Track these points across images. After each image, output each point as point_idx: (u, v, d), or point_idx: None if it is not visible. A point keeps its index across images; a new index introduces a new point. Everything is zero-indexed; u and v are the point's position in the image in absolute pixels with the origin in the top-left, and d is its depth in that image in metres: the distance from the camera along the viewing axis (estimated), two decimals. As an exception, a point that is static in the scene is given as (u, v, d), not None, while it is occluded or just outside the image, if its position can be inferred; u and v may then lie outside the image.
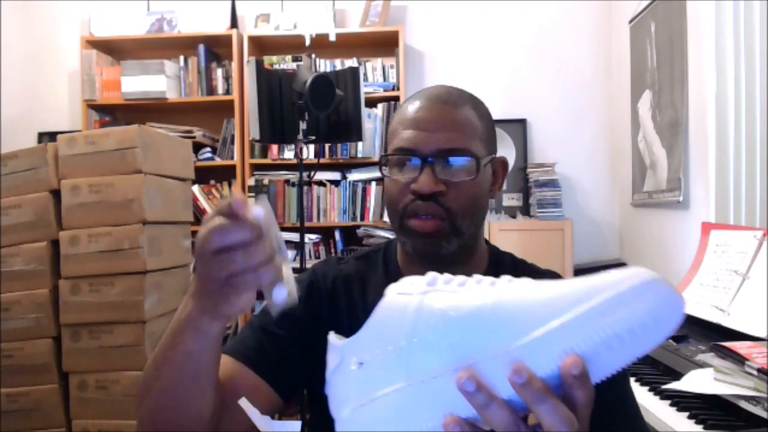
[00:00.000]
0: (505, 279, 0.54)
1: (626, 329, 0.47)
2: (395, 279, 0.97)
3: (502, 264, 0.99)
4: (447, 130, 0.87)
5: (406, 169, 0.89)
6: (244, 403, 0.62)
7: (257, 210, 0.56)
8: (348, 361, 0.56)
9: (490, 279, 0.55)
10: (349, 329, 0.92)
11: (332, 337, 0.60)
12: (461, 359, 0.51)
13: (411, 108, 0.91)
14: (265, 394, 0.85)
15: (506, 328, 0.50)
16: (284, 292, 0.57)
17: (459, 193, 0.88)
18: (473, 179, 0.88)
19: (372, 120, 3.35)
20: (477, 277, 0.56)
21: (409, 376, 0.53)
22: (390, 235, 3.27)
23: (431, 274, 0.57)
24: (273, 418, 0.70)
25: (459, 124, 0.88)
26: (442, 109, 0.89)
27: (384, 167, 0.92)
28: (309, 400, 0.98)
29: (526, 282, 0.53)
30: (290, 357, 0.89)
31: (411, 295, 0.55)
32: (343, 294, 0.95)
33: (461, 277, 0.56)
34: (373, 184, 3.36)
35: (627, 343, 0.48)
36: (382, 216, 3.33)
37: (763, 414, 1.15)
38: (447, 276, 0.56)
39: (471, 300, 0.52)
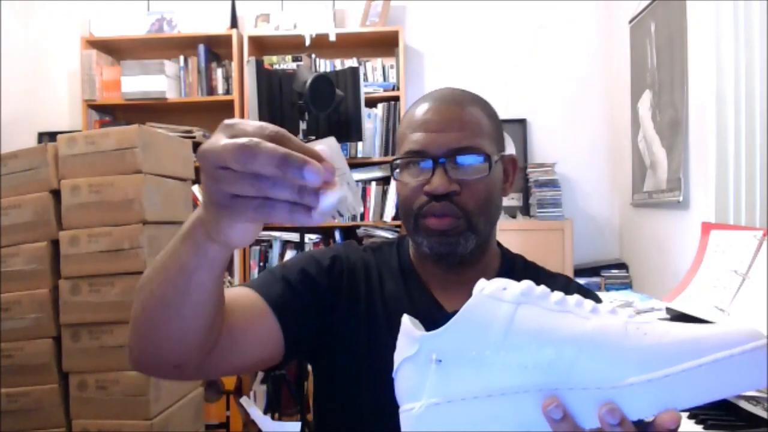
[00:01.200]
0: (606, 308, 0.52)
1: (729, 393, 0.47)
2: (409, 276, 0.99)
3: (514, 266, 0.99)
4: (456, 129, 0.88)
5: (418, 172, 0.89)
6: (245, 401, 0.61)
7: (319, 146, 0.51)
8: (425, 355, 0.54)
9: (590, 304, 0.52)
10: (366, 315, 0.92)
11: (408, 323, 0.57)
12: (547, 383, 0.50)
13: (419, 111, 0.91)
14: (276, 340, 0.84)
15: (604, 365, 0.49)
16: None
17: (473, 192, 0.88)
18: (486, 177, 0.88)
19: (372, 120, 3.35)
20: (576, 298, 0.53)
21: (489, 387, 0.51)
22: (390, 235, 3.27)
23: (526, 283, 0.54)
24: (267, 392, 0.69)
25: (467, 123, 0.89)
26: (449, 109, 0.89)
27: (395, 171, 0.92)
28: (313, 370, 0.98)
29: (627, 316, 0.51)
30: (306, 316, 0.89)
31: (503, 302, 0.53)
32: (363, 279, 0.95)
33: (558, 294, 0.53)
34: (373, 184, 3.36)
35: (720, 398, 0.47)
36: (382, 216, 3.33)
37: (763, 414, 1.15)
38: (543, 289, 0.54)
39: (569, 325, 0.50)
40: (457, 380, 0.52)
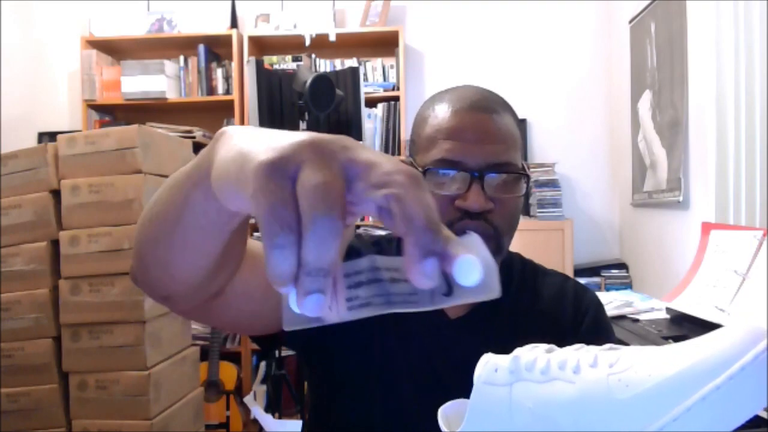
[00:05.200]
0: (587, 359, 0.51)
1: (729, 425, 0.43)
2: None
3: (512, 266, 0.98)
4: (494, 142, 0.82)
5: (449, 183, 0.83)
6: (248, 400, 0.61)
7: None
8: None
9: (573, 361, 0.51)
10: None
11: (441, 419, 0.58)
12: None
13: (450, 115, 0.84)
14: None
15: (594, 427, 0.48)
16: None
17: (505, 210, 0.83)
18: (520, 195, 0.84)
19: (372, 120, 3.35)
20: (558, 357, 0.52)
21: None
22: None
23: (512, 357, 0.54)
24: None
25: (506, 135, 0.83)
26: (486, 118, 0.83)
27: None
28: (309, 376, 0.95)
29: (608, 366, 0.50)
30: None
31: (498, 387, 0.53)
32: None
33: (543, 360, 0.53)
34: (373, 184, 3.36)
35: None
36: (382, 216, 3.33)
37: (763, 414, 1.15)
38: (528, 357, 0.53)
39: (557, 394, 0.50)
40: None
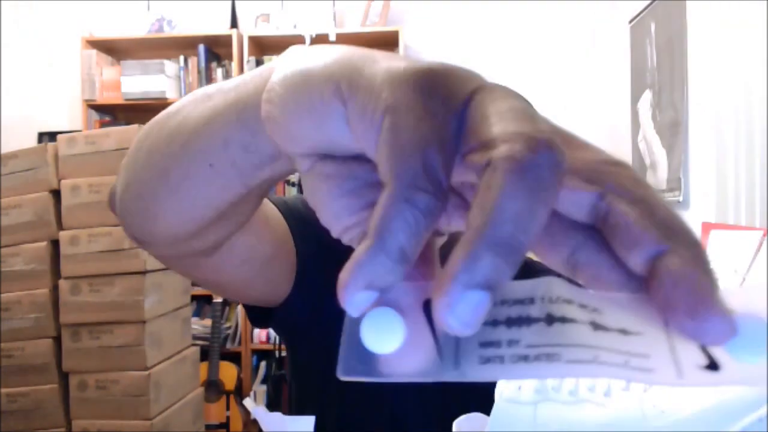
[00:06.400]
0: (620, 383, 0.49)
1: None
2: None
3: None
4: None
5: None
6: (248, 402, 0.61)
7: None
8: None
9: (603, 387, 0.50)
10: None
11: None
12: None
13: None
14: (285, 283, 0.72)
15: None
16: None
17: None
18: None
19: (372, 120, 3.35)
20: (588, 381, 0.51)
21: None
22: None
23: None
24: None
25: None
26: None
27: None
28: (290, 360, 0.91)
29: (643, 391, 0.48)
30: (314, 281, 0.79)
31: (522, 405, 0.51)
32: None
33: (570, 382, 0.51)
34: (373, 184, 3.36)
35: None
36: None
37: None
38: (554, 379, 0.52)
39: (588, 417, 0.48)
40: None
